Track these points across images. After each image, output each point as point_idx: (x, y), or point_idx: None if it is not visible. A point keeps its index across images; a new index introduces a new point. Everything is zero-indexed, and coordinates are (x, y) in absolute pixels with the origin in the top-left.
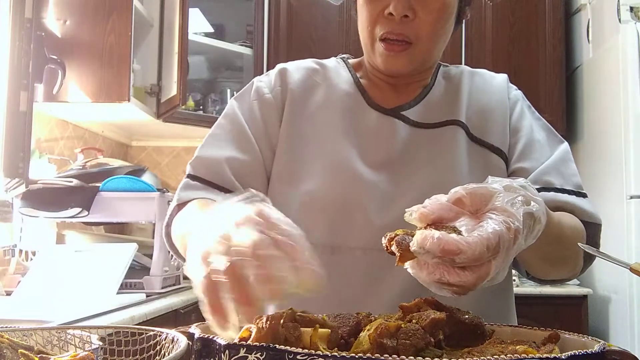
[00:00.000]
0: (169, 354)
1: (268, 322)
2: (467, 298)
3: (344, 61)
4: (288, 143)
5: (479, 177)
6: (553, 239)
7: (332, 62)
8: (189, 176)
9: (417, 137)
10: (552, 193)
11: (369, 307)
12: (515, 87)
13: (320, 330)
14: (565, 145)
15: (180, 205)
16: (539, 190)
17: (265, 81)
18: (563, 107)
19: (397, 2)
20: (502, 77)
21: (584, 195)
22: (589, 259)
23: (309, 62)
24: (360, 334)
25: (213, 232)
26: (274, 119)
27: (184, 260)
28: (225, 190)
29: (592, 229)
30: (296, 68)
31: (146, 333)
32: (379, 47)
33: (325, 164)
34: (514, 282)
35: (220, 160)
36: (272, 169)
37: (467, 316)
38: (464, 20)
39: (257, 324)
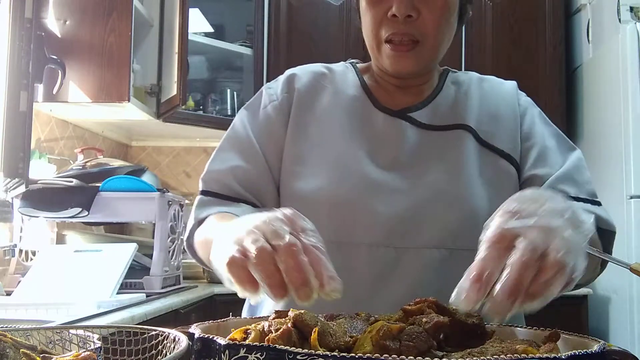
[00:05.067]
0: (170, 354)
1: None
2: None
3: (352, 65)
4: (294, 143)
5: (490, 181)
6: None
7: (341, 67)
8: (202, 192)
9: (425, 138)
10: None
11: (375, 303)
12: (524, 94)
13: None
14: (578, 152)
15: (200, 221)
16: None
17: (273, 88)
18: (563, 107)
19: (400, 2)
20: (512, 84)
21: (599, 204)
22: (602, 266)
23: (318, 67)
24: (361, 336)
25: (244, 227)
26: (281, 125)
27: (207, 267)
28: (238, 200)
29: (608, 236)
30: (304, 72)
31: (148, 333)
32: (386, 49)
33: (332, 162)
34: None
35: (226, 172)
36: (281, 169)
37: (466, 317)
38: (465, 20)
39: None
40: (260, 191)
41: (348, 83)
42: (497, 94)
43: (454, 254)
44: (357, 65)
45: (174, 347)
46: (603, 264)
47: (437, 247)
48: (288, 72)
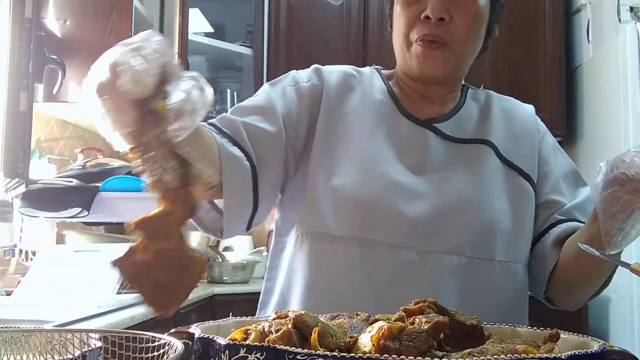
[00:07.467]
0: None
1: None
2: (484, 312)
3: (377, 71)
4: (324, 141)
5: (510, 196)
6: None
7: (367, 71)
8: (209, 123)
9: (448, 149)
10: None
11: (392, 302)
12: (539, 119)
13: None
14: (588, 187)
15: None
16: (567, 220)
17: (301, 74)
18: (563, 107)
19: (435, 5)
20: (530, 107)
21: None
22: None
23: (347, 68)
24: (362, 336)
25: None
26: (306, 105)
27: None
28: (236, 142)
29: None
30: (335, 70)
31: (154, 341)
32: (416, 49)
33: (358, 161)
34: None
35: (238, 122)
36: (309, 165)
37: (465, 318)
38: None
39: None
40: (266, 155)
41: (375, 87)
42: (517, 115)
43: (471, 262)
44: (382, 71)
45: (171, 353)
46: (609, 279)
47: (456, 254)
48: (315, 65)
